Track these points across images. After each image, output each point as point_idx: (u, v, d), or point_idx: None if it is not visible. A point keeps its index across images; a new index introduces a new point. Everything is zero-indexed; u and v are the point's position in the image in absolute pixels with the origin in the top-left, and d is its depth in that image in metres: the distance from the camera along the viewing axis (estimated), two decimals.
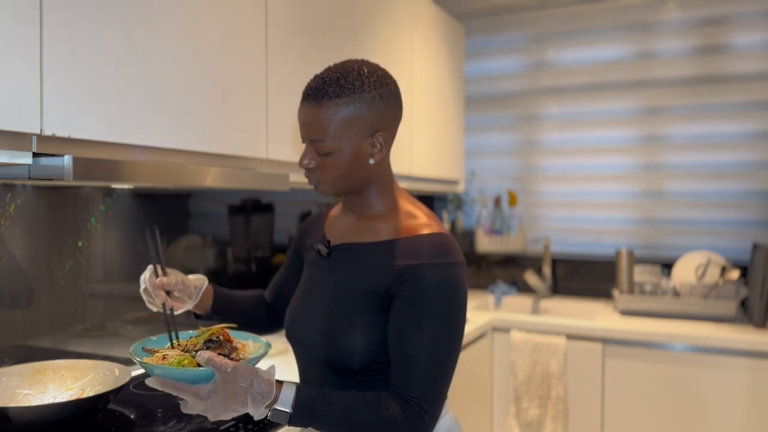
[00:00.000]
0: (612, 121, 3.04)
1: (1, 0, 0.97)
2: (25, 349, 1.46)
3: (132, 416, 1.35)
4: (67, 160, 1.02)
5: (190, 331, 1.12)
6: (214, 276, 2.06)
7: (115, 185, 1.56)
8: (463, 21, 3.22)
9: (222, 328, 1.07)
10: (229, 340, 1.07)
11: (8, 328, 1.43)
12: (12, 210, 1.43)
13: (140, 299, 1.17)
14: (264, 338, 1.13)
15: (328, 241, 1.13)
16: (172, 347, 1.08)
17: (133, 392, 1.50)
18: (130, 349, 1.05)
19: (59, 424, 1.15)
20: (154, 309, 1.16)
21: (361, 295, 1.02)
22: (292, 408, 0.94)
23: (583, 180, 3.10)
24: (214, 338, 1.06)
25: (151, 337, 1.13)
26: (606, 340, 2.41)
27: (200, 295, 1.20)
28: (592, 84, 3.07)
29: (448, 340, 0.97)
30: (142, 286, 1.13)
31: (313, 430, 0.99)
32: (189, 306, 1.19)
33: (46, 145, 1.07)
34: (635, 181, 3.00)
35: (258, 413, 0.94)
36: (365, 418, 0.95)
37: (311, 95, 1.00)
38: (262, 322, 1.31)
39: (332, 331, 1.04)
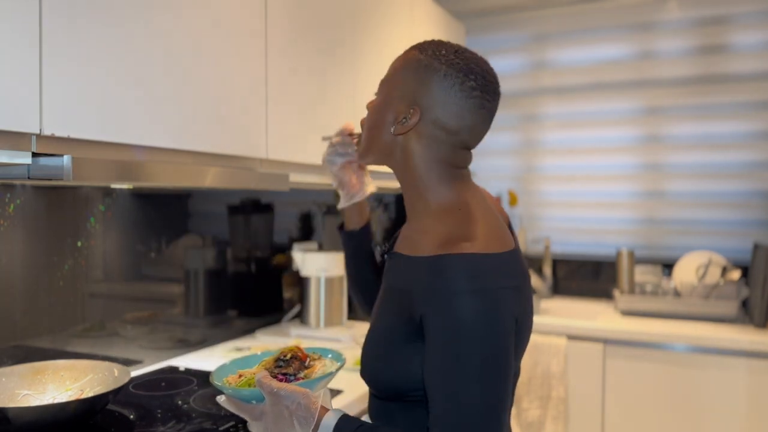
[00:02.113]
0: (612, 121, 3.03)
1: (1, 0, 0.97)
2: (24, 349, 1.46)
3: (131, 416, 1.35)
4: (67, 160, 1.02)
5: (273, 352, 1.14)
6: (213, 276, 2.05)
7: (115, 185, 1.55)
8: (463, 20, 3.21)
9: (297, 347, 1.09)
10: (302, 359, 1.08)
11: (8, 328, 1.42)
12: (11, 210, 1.43)
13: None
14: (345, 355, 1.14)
15: (389, 246, 1.05)
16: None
17: (133, 392, 1.50)
18: (214, 371, 1.08)
19: (58, 425, 1.15)
20: (333, 177, 1.28)
21: (389, 317, 0.94)
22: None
23: (584, 180, 3.10)
24: (283, 357, 1.07)
25: (242, 357, 1.16)
26: (607, 341, 2.41)
27: (367, 192, 1.26)
28: (592, 84, 3.07)
29: (485, 379, 0.82)
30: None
31: None
32: (356, 199, 1.26)
33: (46, 145, 1.07)
34: (636, 181, 3.00)
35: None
36: None
37: None
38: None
39: (365, 352, 0.99)
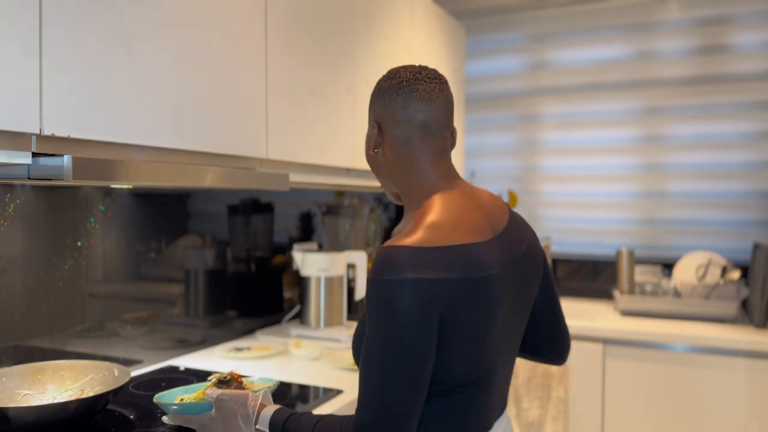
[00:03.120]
0: (612, 121, 3.03)
1: (1, 1, 0.97)
2: (24, 349, 1.46)
3: (131, 416, 1.35)
4: (67, 159, 1.02)
5: (211, 378, 1.33)
6: (213, 276, 2.05)
7: (115, 185, 1.55)
8: (463, 21, 3.21)
9: (232, 371, 1.29)
10: (238, 380, 1.28)
11: (8, 328, 1.42)
12: (11, 210, 1.43)
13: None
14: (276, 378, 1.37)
15: None
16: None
17: (133, 392, 1.50)
18: (156, 397, 1.23)
19: (58, 425, 1.15)
20: None
21: None
22: (269, 427, 1.02)
23: (583, 180, 3.10)
24: (222, 379, 1.27)
25: (186, 386, 1.34)
26: (606, 341, 2.41)
27: None
28: (592, 84, 3.07)
29: (380, 361, 0.89)
30: None
31: None
32: None
33: (46, 145, 1.07)
34: (635, 181, 3.00)
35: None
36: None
37: None
38: None
39: (354, 334, 1.09)
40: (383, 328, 0.88)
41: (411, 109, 1.03)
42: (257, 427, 1.03)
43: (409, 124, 1.03)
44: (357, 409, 0.90)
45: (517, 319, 1.04)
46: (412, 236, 0.91)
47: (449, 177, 1.05)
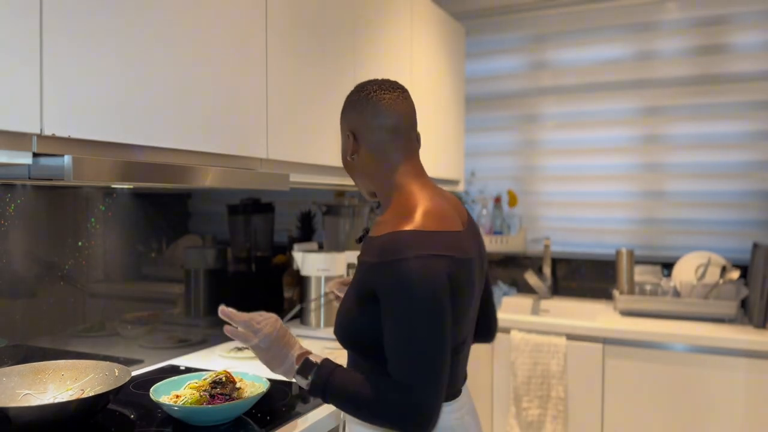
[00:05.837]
0: (612, 121, 3.03)
1: (1, 0, 0.98)
2: (25, 349, 1.46)
3: (132, 416, 1.35)
4: (67, 160, 1.02)
5: (202, 374, 1.37)
6: (213, 276, 2.06)
7: (115, 185, 1.56)
8: (463, 21, 3.22)
9: (226, 371, 1.33)
10: (233, 381, 1.32)
11: (8, 328, 1.42)
12: (12, 210, 1.43)
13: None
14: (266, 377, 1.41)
15: (365, 232, 1.25)
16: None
17: (133, 392, 1.50)
18: (152, 391, 1.32)
19: (59, 424, 1.16)
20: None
21: (354, 286, 1.13)
22: (318, 366, 1.09)
23: (583, 180, 3.10)
24: (218, 379, 1.31)
25: (173, 377, 1.40)
26: (606, 341, 2.41)
27: None
28: (592, 84, 3.07)
29: (419, 329, 1.01)
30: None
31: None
32: None
33: (46, 145, 1.07)
34: (635, 181, 3.00)
35: (294, 362, 1.11)
36: (373, 399, 1.04)
37: None
38: None
39: (337, 313, 1.17)
40: (415, 300, 1.00)
41: (381, 116, 1.17)
42: (309, 357, 1.10)
43: (380, 130, 1.17)
44: (399, 374, 1.01)
45: (477, 299, 1.19)
46: (411, 223, 1.06)
47: (420, 174, 1.20)
